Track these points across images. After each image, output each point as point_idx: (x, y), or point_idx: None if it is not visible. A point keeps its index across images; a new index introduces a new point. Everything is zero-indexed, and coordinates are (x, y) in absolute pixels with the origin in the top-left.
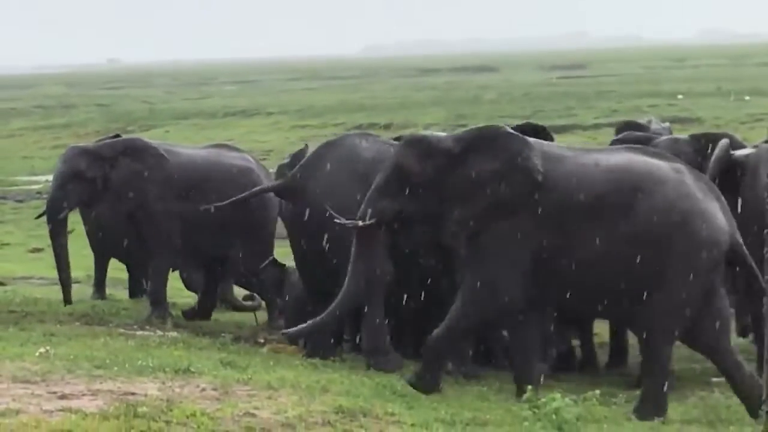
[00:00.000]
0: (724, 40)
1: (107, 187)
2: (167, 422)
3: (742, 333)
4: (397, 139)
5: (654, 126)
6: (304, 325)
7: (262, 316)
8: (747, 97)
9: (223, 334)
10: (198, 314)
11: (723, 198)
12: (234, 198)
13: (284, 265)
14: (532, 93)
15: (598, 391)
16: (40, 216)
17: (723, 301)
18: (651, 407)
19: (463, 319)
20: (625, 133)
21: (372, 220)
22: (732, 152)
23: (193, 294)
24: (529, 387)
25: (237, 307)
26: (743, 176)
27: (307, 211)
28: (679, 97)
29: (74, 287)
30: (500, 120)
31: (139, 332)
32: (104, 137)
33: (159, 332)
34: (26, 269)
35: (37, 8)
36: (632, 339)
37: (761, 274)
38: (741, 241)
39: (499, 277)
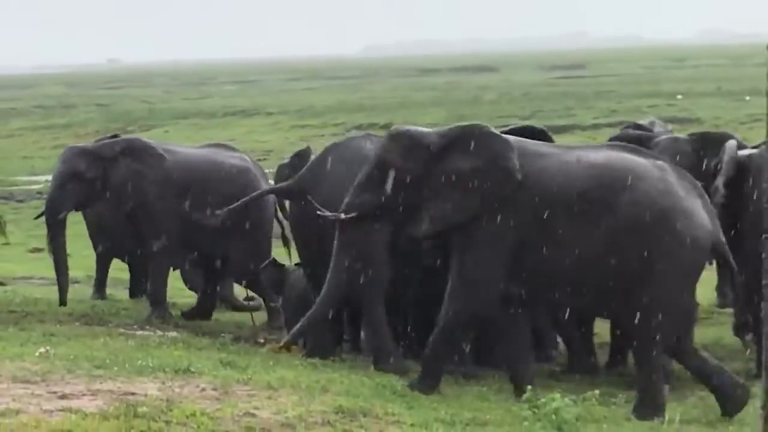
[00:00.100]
0: (724, 40)
1: (106, 187)
2: (167, 422)
3: (742, 332)
4: None
5: (657, 129)
6: (296, 327)
7: (262, 316)
8: (747, 97)
9: (223, 334)
10: (197, 314)
11: (707, 197)
12: (243, 200)
13: (284, 265)
14: (532, 93)
15: (597, 392)
16: (39, 216)
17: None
18: (648, 407)
19: (452, 319)
20: (624, 131)
21: (353, 214)
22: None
23: (193, 294)
24: (529, 387)
25: (237, 307)
26: (749, 176)
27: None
28: (679, 97)
29: (74, 287)
30: (500, 120)
31: (139, 332)
32: (103, 137)
33: (159, 332)
34: (26, 269)
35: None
36: None
37: (763, 277)
38: (723, 239)
39: (481, 275)
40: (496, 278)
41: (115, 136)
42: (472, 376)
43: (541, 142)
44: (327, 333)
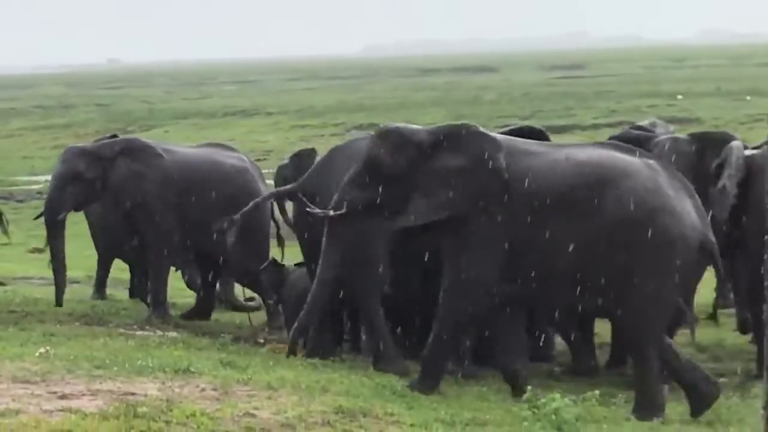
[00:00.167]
0: (724, 40)
1: (106, 187)
2: (167, 422)
3: (742, 330)
4: None
5: (659, 129)
6: (293, 326)
7: (262, 316)
8: (748, 97)
9: (222, 335)
10: (196, 314)
11: (697, 196)
12: (253, 202)
13: (284, 265)
14: (532, 93)
15: (597, 392)
16: (38, 216)
17: None
18: (647, 408)
19: (448, 320)
20: (624, 131)
21: (342, 210)
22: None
23: (194, 294)
24: (529, 387)
25: (237, 307)
26: (750, 177)
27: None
28: (679, 97)
29: (74, 287)
30: (500, 120)
31: (139, 332)
32: (102, 137)
33: (159, 332)
34: (26, 269)
35: (37, 8)
36: None
37: (764, 278)
38: (713, 239)
39: (475, 274)
40: (490, 278)
41: (114, 136)
42: (472, 376)
43: (532, 141)
44: (327, 333)
